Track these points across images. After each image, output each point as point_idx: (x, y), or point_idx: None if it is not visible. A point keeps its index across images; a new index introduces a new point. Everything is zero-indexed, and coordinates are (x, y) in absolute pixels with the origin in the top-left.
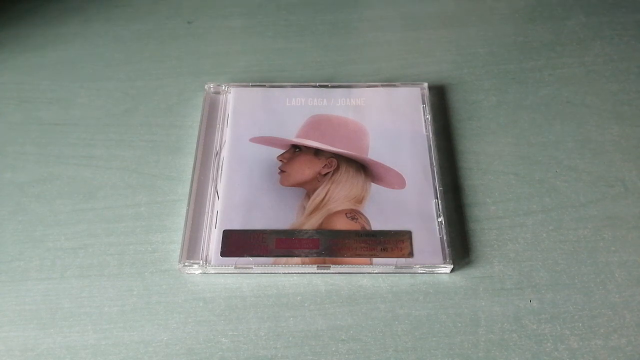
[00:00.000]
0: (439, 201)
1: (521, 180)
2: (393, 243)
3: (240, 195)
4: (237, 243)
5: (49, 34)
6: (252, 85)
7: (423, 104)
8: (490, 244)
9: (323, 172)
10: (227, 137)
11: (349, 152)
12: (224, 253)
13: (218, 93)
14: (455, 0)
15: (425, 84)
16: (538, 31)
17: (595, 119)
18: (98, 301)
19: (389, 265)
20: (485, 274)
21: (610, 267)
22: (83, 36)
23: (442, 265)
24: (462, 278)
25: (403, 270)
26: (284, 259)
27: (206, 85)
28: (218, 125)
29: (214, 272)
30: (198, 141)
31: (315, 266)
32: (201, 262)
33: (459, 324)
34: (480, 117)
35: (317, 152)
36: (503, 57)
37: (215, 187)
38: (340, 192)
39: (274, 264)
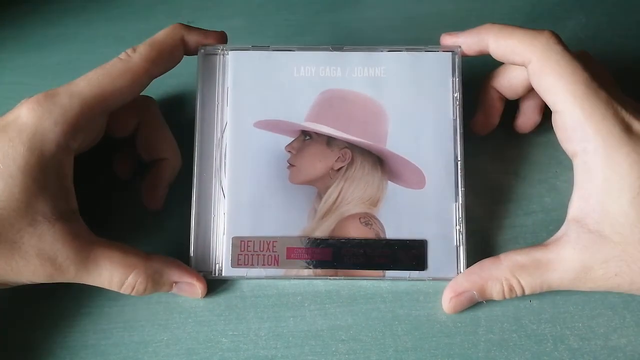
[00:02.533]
0: (460, 205)
1: (521, 181)
2: (407, 254)
3: (247, 194)
4: (247, 252)
5: (50, 34)
6: (254, 48)
7: (453, 76)
8: (491, 244)
9: (336, 167)
10: (228, 119)
11: (365, 141)
12: (235, 264)
13: (214, 54)
14: (455, 0)
15: (459, 47)
16: None
17: None
18: (98, 301)
19: (402, 278)
20: None
21: None
22: (84, 36)
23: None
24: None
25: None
26: (295, 270)
27: (200, 49)
28: (217, 103)
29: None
30: (196, 126)
31: (327, 278)
32: (212, 273)
33: (459, 324)
34: None
35: (329, 140)
36: None
37: (221, 185)
38: (355, 192)
39: (285, 275)
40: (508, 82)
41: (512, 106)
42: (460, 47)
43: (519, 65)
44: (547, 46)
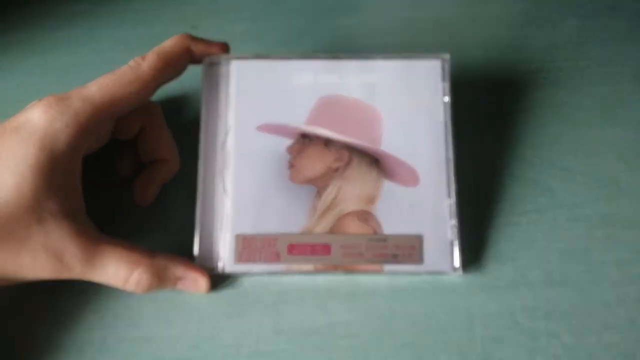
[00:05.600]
0: (453, 201)
1: (516, 181)
2: (404, 249)
3: (249, 194)
4: (250, 249)
5: (56, 38)
6: (255, 57)
7: (443, 81)
8: (486, 243)
9: (334, 167)
10: (231, 123)
11: (361, 142)
12: (238, 260)
13: (218, 63)
14: (452, 4)
15: (447, 55)
16: (534, 35)
17: (590, 120)
18: (104, 297)
19: (400, 272)
20: (481, 272)
21: (604, 265)
22: (89, 40)
23: (452, 273)
24: (458, 276)
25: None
26: (296, 266)
27: (204, 60)
28: (221, 109)
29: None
30: (201, 129)
31: (327, 272)
32: (216, 270)
33: (456, 321)
34: (476, 119)
35: (327, 142)
36: (499, 61)
37: (224, 185)
38: (352, 190)
39: (287, 270)
40: None
41: (504, 109)
42: (448, 55)
43: None
44: None
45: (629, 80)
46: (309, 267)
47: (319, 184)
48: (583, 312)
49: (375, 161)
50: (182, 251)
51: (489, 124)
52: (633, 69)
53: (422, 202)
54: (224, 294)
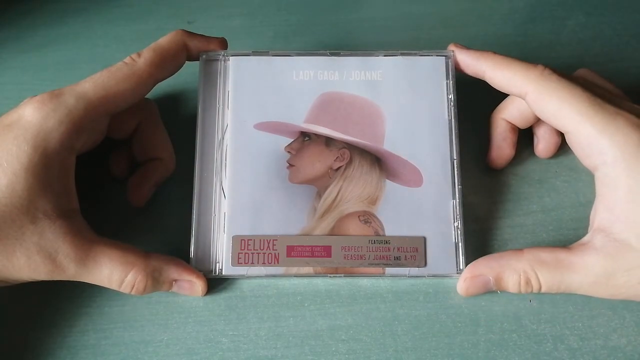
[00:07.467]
0: (457, 202)
1: (520, 180)
2: (407, 251)
3: (247, 194)
4: (247, 251)
5: (49, 34)
6: (254, 54)
7: (447, 79)
8: (490, 244)
9: (335, 167)
10: (229, 121)
11: (363, 141)
12: (235, 262)
13: (216, 60)
14: (455, 0)
15: (452, 52)
16: (538, 31)
17: None
18: (98, 301)
19: (402, 275)
20: None
21: None
22: (83, 36)
23: (456, 275)
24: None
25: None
26: (295, 268)
27: (201, 55)
28: (218, 106)
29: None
30: (198, 127)
31: (327, 275)
32: (213, 272)
33: (459, 324)
34: (480, 118)
35: (328, 141)
36: None
37: (221, 185)
38: (354, 190)
39: (286, 273)
40: (518, 111)
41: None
42: (453, 51)
43: (516, 96)
44: (541, 77)
45: (635, 77)
46: (308, 269)
47: (319, 184)
48: (589, 315)
49: (377, 160)
50: (178, 253)
51: None
52: (639, 66)
53: (426, 204)
54: (220, 297)
